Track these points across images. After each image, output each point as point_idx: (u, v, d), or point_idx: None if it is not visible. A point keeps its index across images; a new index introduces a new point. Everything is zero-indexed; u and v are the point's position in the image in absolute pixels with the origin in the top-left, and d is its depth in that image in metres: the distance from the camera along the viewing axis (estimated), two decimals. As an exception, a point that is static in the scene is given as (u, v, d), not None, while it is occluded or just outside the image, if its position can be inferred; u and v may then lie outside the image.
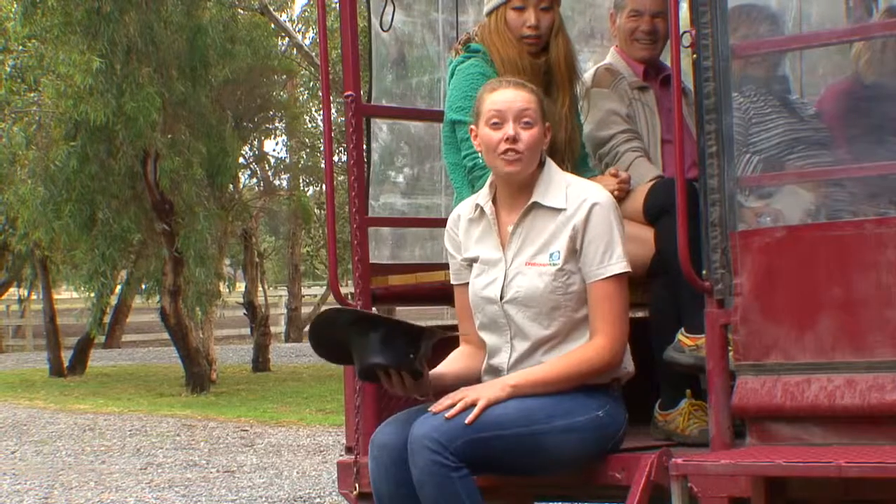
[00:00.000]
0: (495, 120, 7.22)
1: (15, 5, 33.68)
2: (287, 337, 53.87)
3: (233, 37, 34.51)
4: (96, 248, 33.33)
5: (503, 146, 7.11)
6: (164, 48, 31.48)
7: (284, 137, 45.49)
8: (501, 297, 7.22)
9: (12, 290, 55.01)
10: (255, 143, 42.19)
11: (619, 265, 7.11)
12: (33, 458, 21.71)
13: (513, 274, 7.24)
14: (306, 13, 43.91)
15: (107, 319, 42.75)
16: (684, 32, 6.99)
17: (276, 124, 42.32)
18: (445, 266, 8.15)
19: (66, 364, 40.09)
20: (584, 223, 7.11)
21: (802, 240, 6.86)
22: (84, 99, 30.85)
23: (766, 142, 7.44)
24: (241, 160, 39.37)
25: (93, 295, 35.19)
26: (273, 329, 44.67)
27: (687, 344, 7.59)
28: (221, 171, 35.22)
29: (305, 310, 58.10)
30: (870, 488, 6.33)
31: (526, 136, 7.13)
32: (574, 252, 7.15)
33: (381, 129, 9.60)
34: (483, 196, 7.45)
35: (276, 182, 47.13)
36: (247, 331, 42.45)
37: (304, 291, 58.64)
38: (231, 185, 37.13)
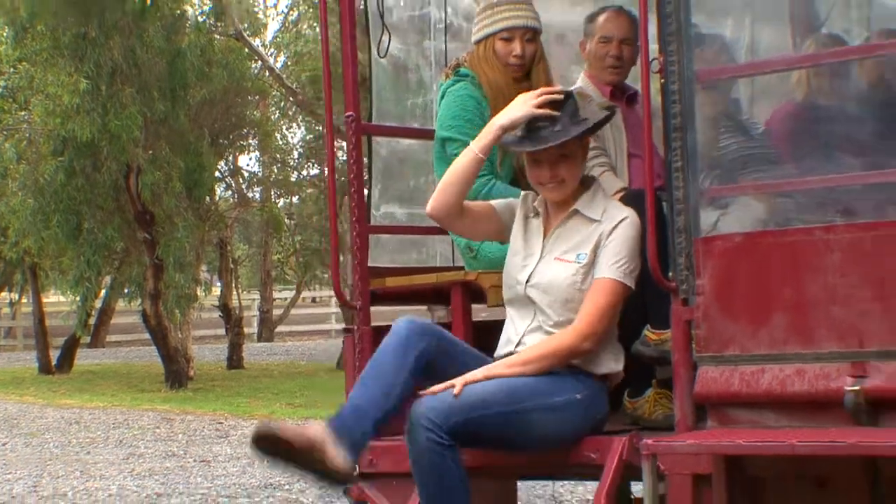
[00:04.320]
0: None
1: (6, 30, 33.56)
2: (259, 337, 53.69)
3: (209, 60, 34.46)
4: (82, 255, 33.38)
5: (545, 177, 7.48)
6: (146, 70, 31.43)
7: (257, 153, 45.31)
8: (527, 281, 7.49)
9: (3, 294, 54.75)
10: (230, 158, 42.07)
11: (619, 273, 7.33)
12: (23, 449, 21.70)
13: (543, 265, 7.51)
14: (278, 39, 43.93)
15: (92, 321, 42.70)
16: (653, 59, 7.18)
17: (250, 141, 42.12)
18: (437, 269, 9.06)
19: (53, 362, 39.91)
20: (609, 233, 7.37)
21: (758, 245, 7.02)
22: (71, 117, 30.72)
23: (723, 157, 7.55)
24: (216, 174, 39.21)
25: (78, 298, 35.19)
26: (246, 330, 44.44)
27: (652, 339, 7.76)
28: (199, 185, 35.21)
29: (277, 311, 57.84)
30: (819, 465, 6.58)
31: (565, 170, 7.42)
32: (595, 255, 7.40)
33: (382, 147, 9.66)
34: (538, 201, 7.68)
35: (250, 194, 46.95)
36: (222, 331, 42.33)
37: (276, 295, 58.47)
38: (208, 198, 36.99)
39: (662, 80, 7.13)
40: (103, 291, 38.70)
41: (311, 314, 61.29)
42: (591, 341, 7.32)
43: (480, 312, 9.32)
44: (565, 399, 7.25)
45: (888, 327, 6.41)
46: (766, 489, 6.94)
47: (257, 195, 47.92)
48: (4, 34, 33.86)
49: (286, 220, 50.59)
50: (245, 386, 34.20)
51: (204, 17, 35.37)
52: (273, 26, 45.96)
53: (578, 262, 7.42)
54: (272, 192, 49.04)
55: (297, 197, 50.32)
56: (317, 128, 43.35)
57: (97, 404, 29.37)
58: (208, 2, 35.36)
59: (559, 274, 7.44)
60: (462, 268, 8.75)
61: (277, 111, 42.03)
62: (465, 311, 8.14)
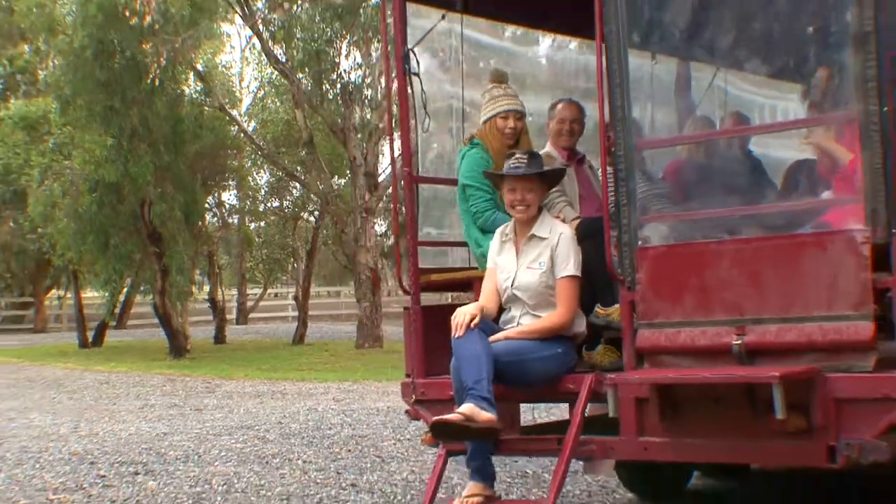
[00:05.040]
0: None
1: (55, 103, 33.26)
2: (237, 321, 53.50)
3: (201, 125, 34.41)
4: (109, 263, 33.68)
5: (518, 208, 8.42)
6: (155, 132, 31.30)
7: (235, 191, 45.36)
8: (512, 285, 8.37)
9: (53, 291, 54.45)
10: (216, 194, 41.92)
11: (571, 270, 8.27)
12: (67, 402, 21.50)
13: (520, 273, 8.38)
14: (250, 110, 43.69)
15: (117, 310, 42.35)
16: (608, 133, 7.93)
17: (230, 182, 42.27)
18: (459, 269, 9.99)
19: (89, 340, 39.71)
20: (556, 244, 8.30)
21: (675, 252, 7.92)
22: (101, 165, 30.95)
23: (645, 198, 8.15)
24: (206, 206, 39.17)
25: (107, 294, 35.71)
26: (227, 316, 44.39)
27: (600, 314, 8.52)
28: (193, 213, 35.36)
29: (249, 303, 58.02)
30: (716, 389, 7.34)
31: (530, 197, 8.36)
32: (551, 261, 8.29)
33: (423, 190, 10.18)
34: (509, 228, 8.56)
35: (230, 220, 47.05)
36: (210, 317, 42.12)
37: (248, 291, 58.54)
38: (200, 222, 36.99)
39: (612, 148, 7.96)
40: (125, 289, 38.31)
41: (274, 305, 61.40)
42: (570, 319, 8.29)
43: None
44: (551, 353, 8.19)
45: (757, 304, 7.36)
46: (682, 405, 7.54)
47: (235, 220, 47.95)
48: (54, 106, 33.45)
49: (256, 238, 50.64)
50: (227, 356, 34.16)
51: (197, 94, 35.07)
52: (247, 101, 45.75)
53: (541, 268, 8.31)
54: (246, 219, 49.06)
55: (263, 222, 50.44)
56: (278, 173, 43.09)
57: (121, 370, 29.17)
58: (200, 83, 34.88)
59: (531, 278, 8.34)
60: (476, 268, 9.41)
61: (249, 161, 41.79)
62: (479, 295, 8.79)
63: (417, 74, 9.82)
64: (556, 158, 9.47)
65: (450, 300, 10.15)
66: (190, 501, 10.43)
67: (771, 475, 11.08)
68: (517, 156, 8.45)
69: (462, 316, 7.96)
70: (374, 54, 36.64)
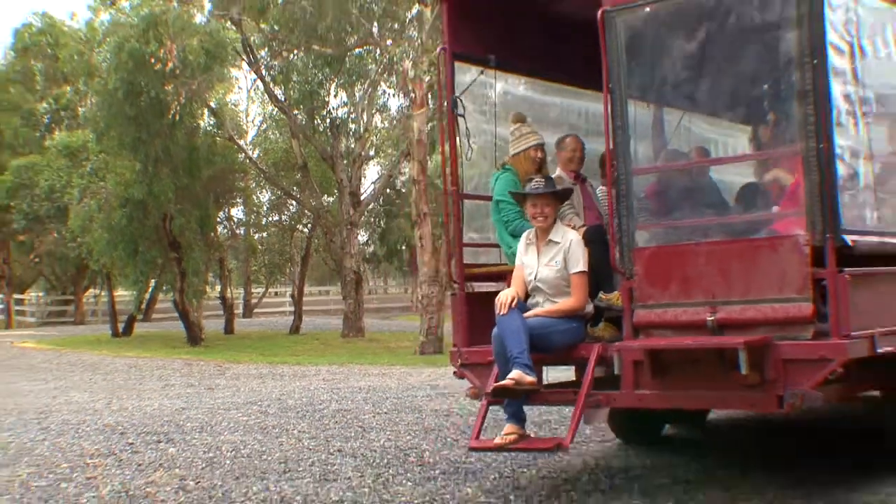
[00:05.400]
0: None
1: (91, 135, 33.22)
2: (244, 315, 53.20)
3: (213, 152, 34.23)
4: (137, 267, 33.51)
5: (539, 218, 9.12)
6: (175, 158, 31.15)
7: (242, 206, 45.11)
8: (535, 279, 9.03)
9: (90, 290, 54.21)
10: (226, 210, 41.65)
11: (581, 267, 8.96)
12: (101, 382, 21.34)
13: (540, 270, 9.05)
14: (255, 140, 43.57)
15: (143, 306, 42.32)
16: (613, 162, 8.69)
17: (237, 199, 41.95)
18: (493, 265, 10.58)
19: (120, 331, 39.37)
20: (568, 247, 9.02)
21: (663, 251, 8.56)
22: (131, 186, 30.88)
23: (638, 211, 8.78)
24: (217, 219, 38.95)
25: (135, 293, 35.74)
26: (235, 311, 44.15)
27: (603, 299, 9.10)
28: (207, 226, 35.32)
29: (254, 300, 57.83)
30: (695, 353, 8.06)
31: (547, 210, 9.06)
32: (565, 260, 8.98)
33: (467, 204, 10.66)
34: (532, 234, 9.21)
35: (237, 231, 46.75)
36: (221, 312, 41.86)
37: (253, 291, 58.27)
38: (212, 233, 36.78)
39: (615, 173, 8.69)
40: (150, 288, 38.15)
41: (274, 302, 61.00)
42: (582, 304, 8.99)
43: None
44: (568, 327, 8.90)
45: (725, 290, 8.07)
46: (668, 366, 8.25)
47: (242, 231, 47.70)
48: (91, 137, 33.45)
49: (259, 246, 50.43)
50: (235, 344, 33.89)
51: (210, 127, 34.94)
52: (252, 132, 45.65)
53: (557, 266, 8.99)
54: (251, 230, 48.82)
55: (265, 233, 50.19)
56: (277, 192, 43.00)
57: (146, 355, 28.99)
58: (213, 118, 34.83)
59: (550, 273, 9.00)
60: (506, 264, 10.05)
61: (253, 182, 41.66)
62: (509, 284, 9.26)
63: (462, 116, 10.37)
64: (566, 180, 10.10)
65: (473, 289, 10.34)
66: (203, 464, 10.46)
67: (719, 426, 12.44)
68: (536, 179, 9.22)
69: (505, 297, 8.75)
70: (357, 94, 36.75)
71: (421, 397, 15.88)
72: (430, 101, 30.09)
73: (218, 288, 42.43)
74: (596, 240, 9.25)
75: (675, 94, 9.19)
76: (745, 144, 10.31)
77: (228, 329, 40.44)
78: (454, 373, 9.87)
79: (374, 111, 38.47)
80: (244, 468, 10.15)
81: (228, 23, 31.79)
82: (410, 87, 29.73)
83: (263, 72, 35.25)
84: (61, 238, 41.46)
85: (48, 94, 46.96)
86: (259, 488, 9.10)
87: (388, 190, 42.01)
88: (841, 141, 7.91)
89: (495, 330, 8.75)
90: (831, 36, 7.84)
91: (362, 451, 10.87)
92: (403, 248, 44.66)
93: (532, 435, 9.31)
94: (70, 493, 9.33)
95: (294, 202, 42.72)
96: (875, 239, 8.34)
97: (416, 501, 8.30)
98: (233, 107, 41.87)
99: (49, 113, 46.89)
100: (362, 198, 38.30)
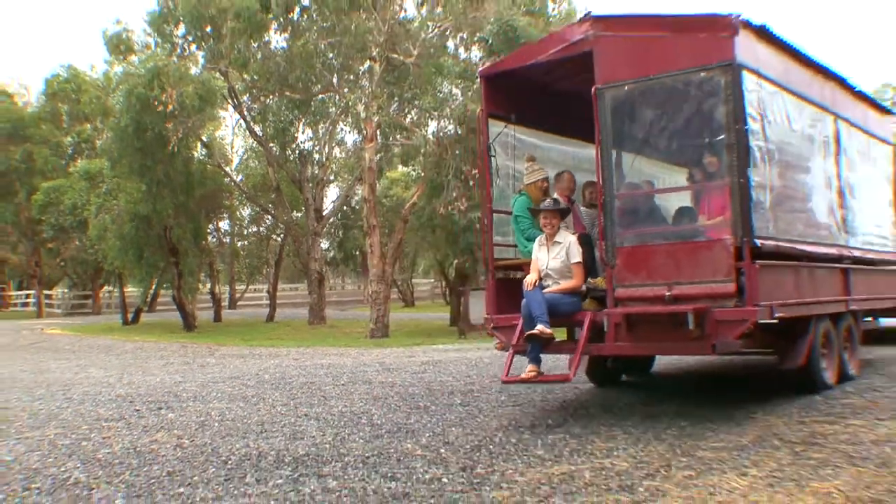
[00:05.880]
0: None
1: (107, 163, 32.97)
2: (229, 307, 52.84)
3: (204, 176, 34.15)
4: (143, 269, 33.64)
5: (548, 228, 10.38)
6: (174, 181, 31.01)
7: (227, 220, 44.95)
8: (546, 267, 10.22)
9: (105, 287, 53.67)
10: (215, 222, 41.47)
11: (578, 258, 10.21)
12: (114, 361, 21.16)
13: (550, 262, 10.25)
14: (239, 167, 43.31)
15: (148, 300, 41.93)
16: (602, 190, 9.86)
17: (223, 214, 41.86)
18: (513, 258, 11.49)
19: (129, 319, 39.10)
20: (567, 246, 10.25)
21: (636, 249, 9.79)
22: (138, 203, 31.04)
23: (618, 223, 9.91)
24: (208, 230, 38.81)
25: (141, 289, 35.40)
26: (223, 304, 43.97)
27: (591, 283, 10.42)
28: (199, 236, 35.28)
29: (237, 295, 57.37)
30: (657, 316, 9.43)
31: (554, 221, 10.38)
32: (567, 254, 10.21)
33: (495, 217, 11.57)
34: (543, 238, 10.41)
35: (224, 240, 46.52)
36: (211, 304, 41.57)
37: (237, 287, 57.87)
38: (203, 241, 36.60)
39: (603, 197, 9.87)
40: (154, 286, 37.80)
41: (254, 296, 60.61)
42: (580, 285, 10.24)
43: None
44: (571, 300, 10.18)
45: (677, 275, 9.44)
46: (638, 326, 9.59)
47: (227, 240, 47.43)
48: (106, 164, 33.35)
49: (241, 251, 50.24)
50: (222, 330, 33.80)
51: (202, 156, 34.72)
52: (236, 161, 45.42)
53: (561, 258, 10.20)
54: (235, 239, 48.58)
55: (246, 241, 49.97)
56: (256, 209, 42.96)
57: (150, 339, 28.77)
58: (204, 149, 34.60)
59: (556, 264, 10.19)
60: (520, 258, 11.18)
61: (237, 201, 41.45)
62: (528, 272, 10.43)
63: (494, 156, 11.51)
64: (561, 203, 10.91)
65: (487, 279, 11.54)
66: (196, 427, 10.34)
67: (659, 375, 13.83)
68: (547, 201, 10.54)
69: (530, 279, 10.12)
70: (320, 131, 36.60)
71: (371, 372, 15.82)
72: (378, 137, 30.07)
73: (208, 285, 42.18)
74: (584, 243, 10.59)
75: (644, 145, 10.20)
76: (683, 181, 11.31)
77: (217, 318, 40.29)
78: (488, 333, 11.15)
79: (333, 144, 38.42)
80: (229, 429, 10.05)
81: (217, 73, 31.57)
82: (363, 126, 29.74)
83: (245, 112, 35.02)
84: (82, 245, 41.14)
85: (72, 130, 46.62)
86: (241, 445, 9.01)
87: (344, 207, 41.76)
88: (754, 178, 9.24)
89: (524, 300, 10.06)
90: (748, 109, 9.24)
91: (324, 416, 10.79)
92: (357, 253, 44.35)
93: (545, 373, 10.15)
94: (89, 450, 9.21)
95: (269, 217, 42.62)
96: (773, 243, 9.56)
97: (367, 455, 8.22)
98: (220, 140, 41.72)
99: (72, 145, 46.52)
100: (324, 213, 38.21)
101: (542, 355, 9.91)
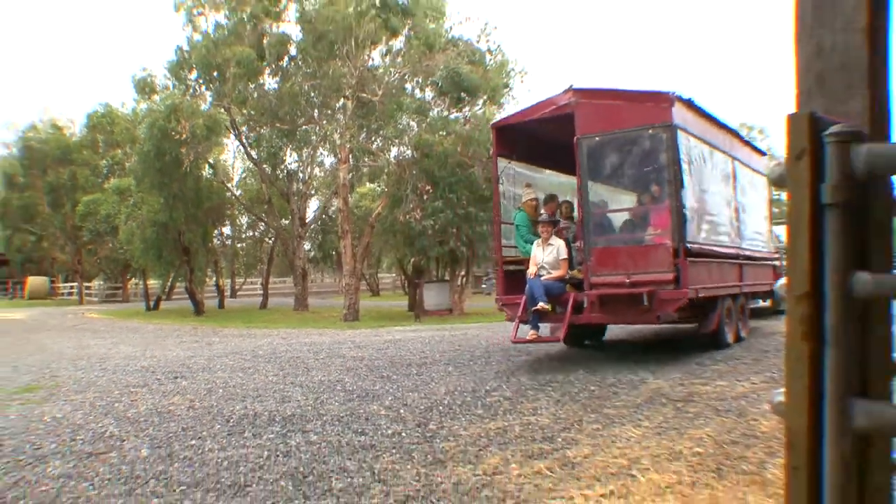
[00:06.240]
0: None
1: (134, 181, 32.66)
2: (231, 296, 52.33)
3: (211, 191, 33.69)
4: (161, 266, 33.34)
5: (545, 234, 11.29)
6: (186, 195, 30.73)
7: (229, 226, 44.60)
8: (542, 262, 10.95)
9: (132, 280, 52.90)
10: (219, 229, 41.11)
11: (564, 255, 11.03)
12: (138, 339, 20.87)
13: (544, 257, 11.03)
14: (239, 183, 42.88)
15: (166, 290, 41.44)
16: (582, 208, 10.93)
17: (226, 222, 41.61)
18: (517, 257, 12.29)
19: (151, 306, 38.55)
20: (557, 248, 11.10)
21: (606, 249, 10.71)
22: (158, 213, 30.56)
23: (594, 231, 10.84)
24: (213, 235, 38.47)
25: (161, 282, 34.94)
26: (226, 294, 43.50)
27: (571, 273, 11.32)
28: (206, 239, 34.99)
29: (237, 287, 56.75)
30: (624, 295, 10.34)
31: (549, 229, 11.31)
32: (557, 252, 11.06)
33: (503, 226, 12.44)
34: (539, 241, 11.25)
35: (227, 242, 46.06)
36: (216, 294, 41.15)
37: (237, 280, 57.42)
38: (210, 244, 36.32)
39: (581, 211, 10.92)
40: (170, 279, 37.38)
41: (250, 288, 59.90)
42: (565, 274, 11.01)
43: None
44: (560, 285, 10.97)
45: (634, 267, 10.41)
46: (607, 303, 10.45)
47: (229, 242, 46.98)
48: (133, 182, 32.98)
49: (240, 252, 49.73)
50: (226, 315, 33.40)
51: (209, 175, 34.32)
52: (236, 178, 44.93)
53: (553, 255, 11.05)
54: (235, 241, 48.12)
55: (244, 243, 49.59)
56: (252, 217, 42.49)
57: (167, 323, 28.43)
58: (211, 169, 34.25)
59: (549, 259, 10.96)
60: (519, 256, 12.14)
61: (237, 211, 41.08)
62: (527, 267, 11.43)
63: (501, 183, 12.55)
64: (547, 216, 11.96)
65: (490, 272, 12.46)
66: (205, 392, 10.28)
67: (609, 342, 14.31)
68: (543, 215, 11.70)
69: (532, 270, 11.12)
70: (304, 155, 36.37)
71: (344, 349, 15.77)
72: (350, 160, 29.95)
73: (214, 279, 41.80)
74: (568, 246, 11.66)
75: (609, 178, 11.41)
76: (633, 202, 12.19)
77: (221, 305, 39.81)
78: (499, 309, 11.88)
79: (314, 165, 38.13)
80: (231, 394, 10.01)
81: (222, 109, 31.30)
82: (338, 151, 29.66)
83: (244, 140, 34.69)
84: (114, 247, 40.68)
85: (107, 154, 46.03)
86: (240, 407, 8.99)
87: (323, 216, 41.51)
88: (686, 202, 10.46)
89: (527, 285, 11.07)
90: (681, 155, 10.43)
91: (307, 383, 10.77)
92: (333, 253, 44.09)
93: (542, 336, 11.13)
94: (120, 410, 9.20)
95: (263, 223, 42.12)
96: (697, 245, 10.75)
97: (341, 414, 8.23)
98: (224, 162, 41.06)
99: (107, 167, 45.91)
100: (307, 221, 37.94)
101: (539, 324, 11.09)
